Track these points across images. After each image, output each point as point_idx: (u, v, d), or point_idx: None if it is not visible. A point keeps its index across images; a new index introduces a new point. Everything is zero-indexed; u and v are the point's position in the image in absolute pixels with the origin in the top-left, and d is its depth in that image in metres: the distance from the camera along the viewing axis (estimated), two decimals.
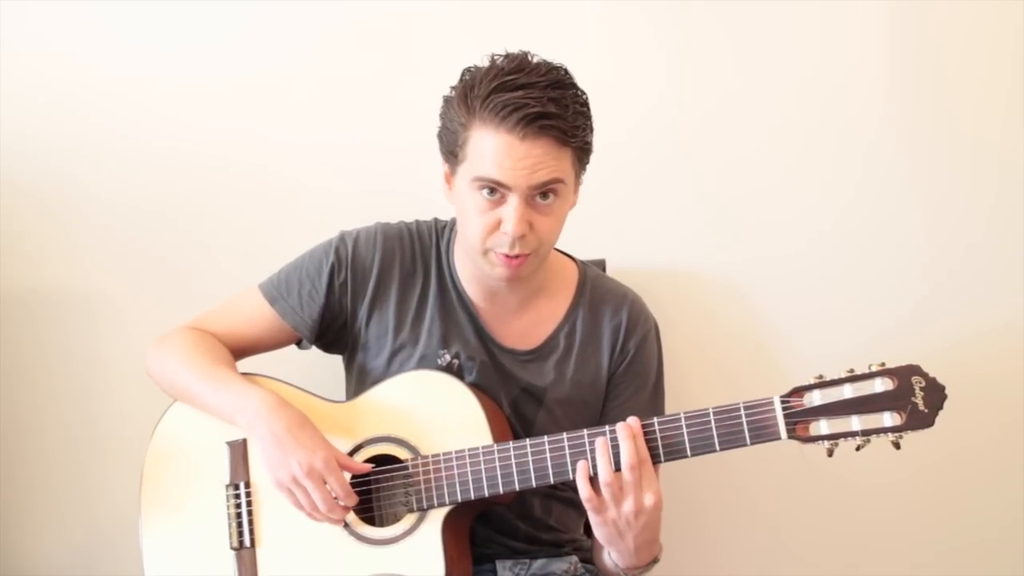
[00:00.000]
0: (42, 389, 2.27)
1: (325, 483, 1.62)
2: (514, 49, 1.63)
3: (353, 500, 1.64)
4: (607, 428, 1.60)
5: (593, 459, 1.58)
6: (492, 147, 1.57)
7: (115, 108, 2.23)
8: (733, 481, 2.26)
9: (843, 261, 2.23)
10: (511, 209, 1.59)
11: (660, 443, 1.58)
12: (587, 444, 1.60)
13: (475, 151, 1.59)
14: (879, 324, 2.23)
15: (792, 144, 2.23)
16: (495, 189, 1.59)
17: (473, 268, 1.73)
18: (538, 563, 1.82)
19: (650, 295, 1.87)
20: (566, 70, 1.62)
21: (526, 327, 1.79)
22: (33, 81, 2.23)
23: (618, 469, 1.56)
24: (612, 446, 1.58)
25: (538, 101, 1.54)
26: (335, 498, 1.63)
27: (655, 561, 1.66)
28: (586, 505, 1.58)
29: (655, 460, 1.58)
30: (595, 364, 1.80)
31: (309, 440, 1.63)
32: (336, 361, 1.89)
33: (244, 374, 1.76)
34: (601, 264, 2.10)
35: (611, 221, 2.18)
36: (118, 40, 2.23)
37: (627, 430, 1.57)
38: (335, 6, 2.22)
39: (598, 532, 1.61)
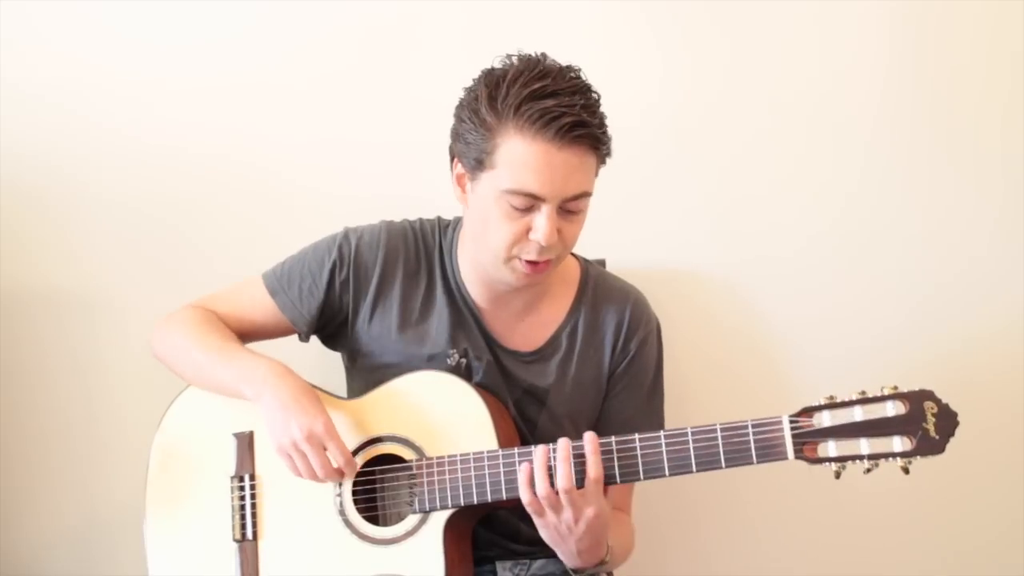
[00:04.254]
0: (42, 389, 2.27)
1: (325, 449, 1.63)
2: (512, 49, 1.63)
3: (352, 467, 1.65)
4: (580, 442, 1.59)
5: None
6: (529, 156, 1.55)
7: (115, 108, 2.23)
8: (729, 484, 2.23)
9: (844, 261, 2.24)
10: (544, 219, 1.58)
11: (665, 457, 1.57)
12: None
13: (507, 161, 1.57)
14: (880, 324, 2.23)
15: (792, 144, 2.23)
16: (527, 198, 1.58)
17: (479, 271, 1.73)
18: (538, 563, 1.83)
19: (650, 295, 1.87)
20: (580, 71, 1.62)
21: (529, 329, 1.79)
22: (33, 81, 2.22)
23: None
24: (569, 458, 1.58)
25: (571, 109, 1.54)
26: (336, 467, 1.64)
27: (601, 563, 1.67)
28: (527, 508, 1.60)
29: (652, 476, 1.58)
30: (596, 363, 1.80)
31: (312, 407, 1.64)
32: (337, 358, 1.89)
33: None
34: (601, 264, 2.10)
35: (611, 221, 2.16)
36: (118, 40, 2.23)
37: (564, 451, 1.57)
38: (335, 6, 2.22)
39: (541, 533, 1.63)
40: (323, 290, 1.79)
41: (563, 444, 1.58)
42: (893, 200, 2.23)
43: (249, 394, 1.68)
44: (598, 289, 1.83)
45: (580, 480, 1.57)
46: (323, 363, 1.90)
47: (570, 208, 1.61)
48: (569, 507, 1.57)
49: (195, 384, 1.79)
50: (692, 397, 2.17)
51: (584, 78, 1.62)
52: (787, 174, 2.24)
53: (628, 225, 2.22)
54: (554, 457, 1.58)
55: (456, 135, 1.65)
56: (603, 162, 1.65)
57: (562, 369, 1.79)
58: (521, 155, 1.56)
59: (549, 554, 1.76)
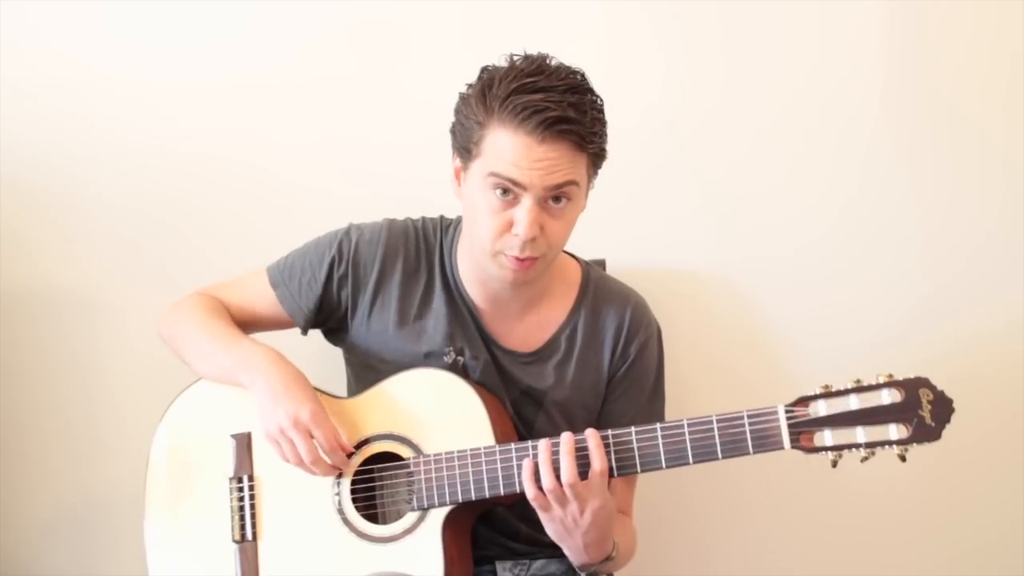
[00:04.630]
0: (42, 389, 2.27)
1: (312, 436, 1.64)
2: (512, 49, 1.63)
3: (339, 456, 1.66)
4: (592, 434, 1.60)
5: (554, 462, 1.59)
6: (509, 147, 1.56)
7: (115, 108, 2.23)
8: (728, 479, 2.24)
9: (844, 260, 2.24)
10: (524, 211, 1.58)
11: (662, 449, 1.58)
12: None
13: (491, 149, 1.58)
14: (880, 323, 2.23)
15: (792, 144, 2.23)
16: (508, 189, 1.58)
17: (477, 270, 1.73)
18: (538, 564, 1.82)
19: (650, 295, 1.87)
20: (583, 75, 1.62)
21: (528, 330, 1.79)
22: (33, 81, 2.22)
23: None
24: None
25: (558, 105, 1.54)
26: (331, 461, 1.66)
27: (608, 559, 1.67)
28: (532, 503, 1.60)
29: (650, 468, 1.58)
30: (595, 367, 1.80)
31: (300, 393, 1.66)
32: (339, 354, 1.89)
33: None
34: (601, 264, 2.10)
35: (611, 221, 2.16)
36: (118, 40, 2.23)
37: (568, 444, 1.57)
38: (336, 6, 2.22)
39: (547, 528, 1.63)
40: (321, 284, 1.79)
41: (567, 438, 1.58)
42: (892, 200, 2.23)
43: (244, 381, 1.70)
44: (598, 292, 1.82)
45: (584, 474, 1.57)
46: (324, 358, 1.90)
47: (553, 205, 1.60)
48: (574, 500, 1.57)
49: (196, 369, 1.80)
50: (692, 397, 2.17)
51: (585, 81, 1.61)
52: (787, 174, 2.24)
53: (628, 225, 2.22)
54: (556, 451, 1.58)
55: (452, 128, 1.67)
56: (596, 164, 1.65)
57: (560, 371, 1.79)
58: (503, 145, 1.57)
59: (549, 554, 1.77)
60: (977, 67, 2.22)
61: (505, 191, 1.59)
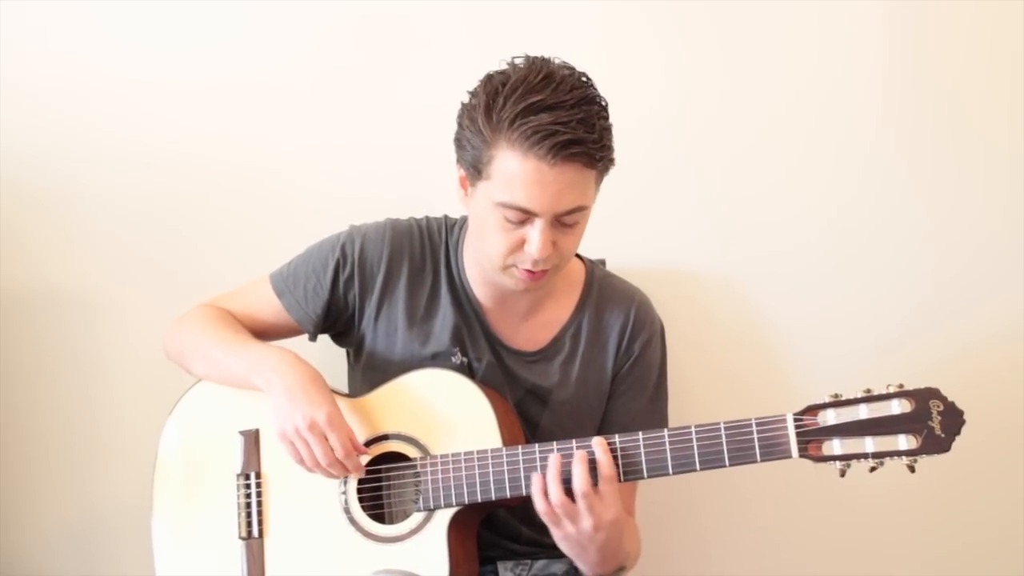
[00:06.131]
0: (42, 389, 2.26)
1: (327, 439, 1.63)
2: (513, 50, 1.61)
3: (354, 461, 1.64)
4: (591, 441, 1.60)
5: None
6: (520, 172, 1.53)
7: (115, 108, 2.23)
8: (731, 481, 2.24)
9: (844, 260, 2.24)
10: (537, 232, 1.57)
11: (669, 455, 1.57)
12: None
13: (501, 173, 1.55)
14: (881, 324, 2.24)
15: (793, 143, 2.23)
16: (520, 212, 1.57)
17: (482, 273, 1.73)
18: (539, 564, 1.83)
19: (651, 295, 1.87)
20: (587, 78, 1.59)
21: (533, 329, 1.79)
22: (33, 81, 2.22)
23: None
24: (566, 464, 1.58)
25: (567, 126, 1.50)
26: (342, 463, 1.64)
27: (622, 569, 1.67)
28: (544, 519, 1.59)
29: (656, 475, 1.58)
30: (600, 365, 1.80)
31: (318, 395, 1.64)
32: (340, 353, 1.90)
33: None
34: (601, 264, 2.10)
35: (612, 221, 2.15)
36: (118, 40, 2.22)
37: (581, 454, 1.57)
38: (337, 7, 2.22)
39: (560, 545, 1.62)
40: (328, 289, 1.79)
41: (580, 453, 1.57)
42: (894, 200, 2.23)
43: (259, 383, 1.69)
44: (603, 291, 1.83)
45: (595, 482, 1.57)
46: (326, 359, 1.90)
47: (565, 221, 1.59)
48: (588, 514, 1.56)
49: (208, 379, 1.79)
50: (693, 397, 2.17)
51: (588, 86, 1.58)
52: (788, 174, 2.24)
53: (629, 225, 2.22)
54: (566, 463, 1.57)
55: (457, 140, 1.64)
56: (605, 172, 1.62)
57: (565, 370, 1.79)
58: (514, 170, 1.54)
59: (550, 555, 1.78)
60: (978, 66, 2.22)
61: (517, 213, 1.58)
